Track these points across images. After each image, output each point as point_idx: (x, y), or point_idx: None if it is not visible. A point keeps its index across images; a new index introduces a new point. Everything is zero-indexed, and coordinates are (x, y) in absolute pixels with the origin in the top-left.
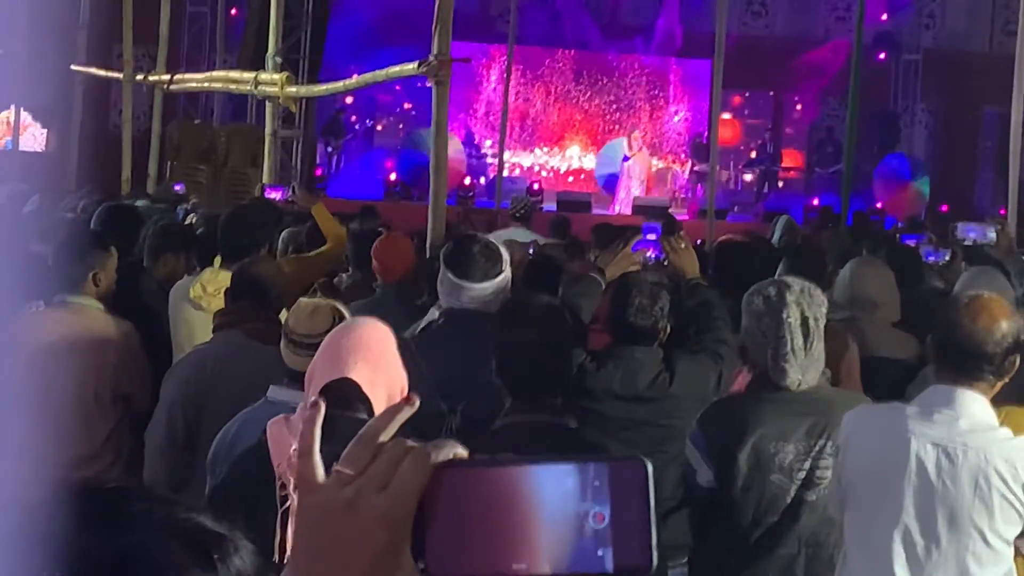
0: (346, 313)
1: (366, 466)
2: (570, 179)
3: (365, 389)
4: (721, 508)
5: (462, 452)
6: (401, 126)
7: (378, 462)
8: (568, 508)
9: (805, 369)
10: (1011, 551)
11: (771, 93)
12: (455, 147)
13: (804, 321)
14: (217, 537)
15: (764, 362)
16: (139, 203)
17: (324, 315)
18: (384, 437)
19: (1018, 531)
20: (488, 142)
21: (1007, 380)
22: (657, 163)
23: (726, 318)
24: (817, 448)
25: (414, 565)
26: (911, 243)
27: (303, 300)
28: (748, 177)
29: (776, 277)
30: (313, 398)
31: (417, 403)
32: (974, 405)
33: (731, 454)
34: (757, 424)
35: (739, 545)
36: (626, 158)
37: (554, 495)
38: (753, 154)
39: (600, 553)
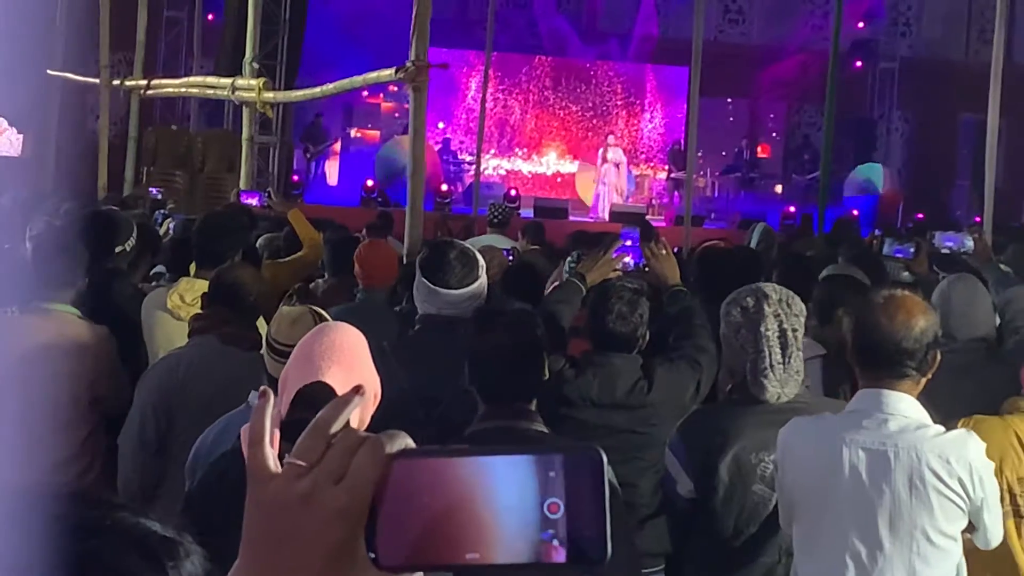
0: (328, 320)
1: (319, 457)
2: (550, 183)
3: (339, 392)
4: (702, 517)
5: (412, 443)
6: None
7: (331, 453)
8: (522, 498)
9: (784, 383)
10: (958, 546)
11: (748, 100)
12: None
13: (782, 334)
14: (168, 543)
15: (743, 373)
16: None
17: (306, 323)
18: (335, 427)
19: (962, 525)
20: (467, 155)
21: (930, 376)
22: (633, 170)
23: (707, 325)
24: None
25: (367, 556)
26: (898, 254)
27: (285, 308)
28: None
29: (755, 285)
30: (262, 387)
31: (365, 394)
32: (901, 404)
33: (712, 465)
34: (738, 435)
35: (720, 554)
36: (601, 174)
37: (508, 485)
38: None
39: (554, 543)
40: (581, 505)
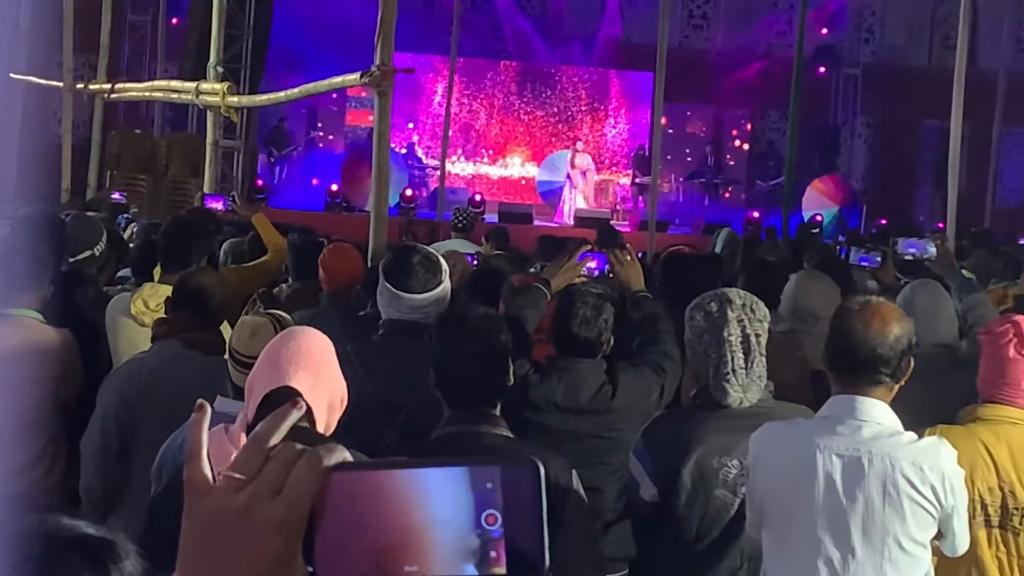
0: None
1: (257, 471)
2: (515, 188)
3: (306, 397)
4: (665, 522)
5: (350, 457)
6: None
7: (270, 467)
8: (460, 510)
9: (747, 387)
10: (928, 553)
11: (712, 106)
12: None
13: (745, 339)
14: (105, 543)
15: (706, 378)
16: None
17: (266, 334)
18: (274, 441)
19: (933, 533)
20: (432, 160)
21: (903, 383)
22: (596, 176)
23: (671, 331)
24: None
25: (306, 569)
26: (863, 263)
27: (246, 318)
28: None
29: (719, 290)
30: (200, 400)
31: (304, 407)
32: (875, 411)
33: (675, 469)
34: (701, 439)
35: (683, 559)
36: (569, 179)
37: (446, 497)
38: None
39: (493, 555)
40: (519, 517)
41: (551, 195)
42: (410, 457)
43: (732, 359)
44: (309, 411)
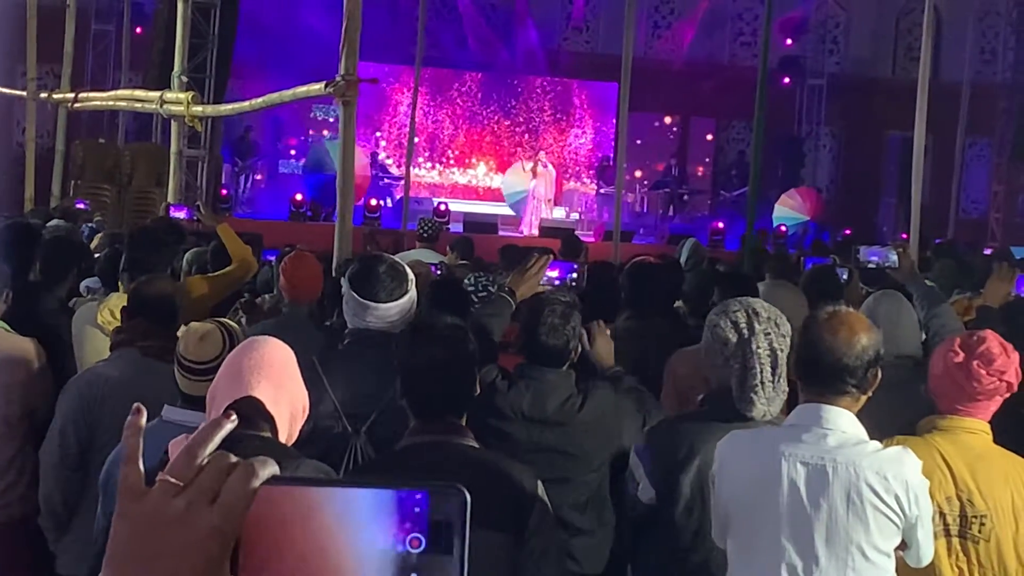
0: (238, 335)
1: (192, 477)
2: (480, 198)
3: (268, 407)
4: (660, 527)
5: (278, 471)
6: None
7: (205, 474)
8: (384, 533)
9: (771, 401)
10: (892, 563)
11: (676, 116)
12: (360, 163)
13: (773, 353)
14: None
15: (725, 385)
16: (57, 222)
17: (214, 341)
18: (207, 450)
19: (897, 542)
20: (393, 163)
21: (870, 394)
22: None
23: (655, 400)
24: None
25: None
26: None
27: (194, 325)
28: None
29: (743, 299)
30: (137, 404)
31: (236, 419)
32: (841, 420)
33: (675, 476)
34: (705, 449)
35: (676, 567)
36: (532, 194)
37: (371, 519)
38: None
39: None
40: (443, 542)
41: (519, 205)
42: (377, 466)
43: (761, 372)
44: (272, 421)
